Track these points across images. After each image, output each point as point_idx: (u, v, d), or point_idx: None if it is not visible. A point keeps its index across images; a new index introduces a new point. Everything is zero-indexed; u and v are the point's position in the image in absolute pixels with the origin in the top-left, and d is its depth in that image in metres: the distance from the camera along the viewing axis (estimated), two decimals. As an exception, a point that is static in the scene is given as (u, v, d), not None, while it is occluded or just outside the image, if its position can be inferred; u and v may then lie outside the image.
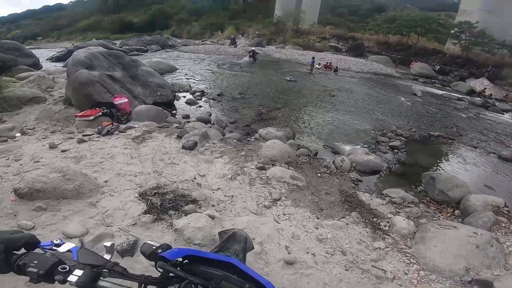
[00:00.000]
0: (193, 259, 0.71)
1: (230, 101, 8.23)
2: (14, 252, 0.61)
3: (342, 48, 26.23)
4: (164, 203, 3.00)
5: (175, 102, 7.60)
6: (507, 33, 22.19)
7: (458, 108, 11.15)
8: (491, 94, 15.77)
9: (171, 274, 0.64)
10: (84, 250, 0.63)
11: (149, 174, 3.59)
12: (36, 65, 11.38)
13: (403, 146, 6.24)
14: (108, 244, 0.71)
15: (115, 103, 5.37)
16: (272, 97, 9.00)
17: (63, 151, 4.00)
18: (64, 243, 0.65)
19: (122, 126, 5.04)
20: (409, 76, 19.35)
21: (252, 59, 17.22)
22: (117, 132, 4.81)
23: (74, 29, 47.56)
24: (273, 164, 4.25)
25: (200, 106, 7.61)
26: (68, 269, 0.59)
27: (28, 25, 58.51)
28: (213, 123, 6.23)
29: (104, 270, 0.62)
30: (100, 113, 5.10)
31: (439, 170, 5.41)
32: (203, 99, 8.15)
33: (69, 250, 0.63)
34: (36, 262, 0.58)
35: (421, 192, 4.39)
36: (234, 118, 6.72)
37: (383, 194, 4.12)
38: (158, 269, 0.65)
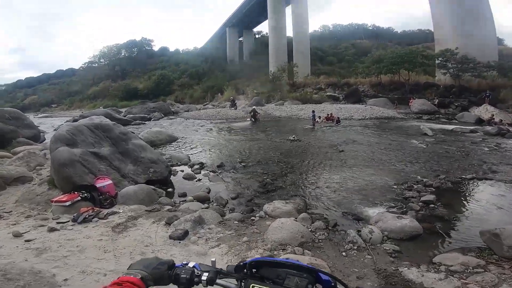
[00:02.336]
0: (261, 265, 0.88)
1: (232, 172, 7.55)
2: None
3: (339, 96, 26.67)
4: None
5: (172, 178, 6.94)
6: (486, 54, 22.41)
7: (475, 142, 10.47)
8: (501, 120, 15.17)
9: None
10: (202, 264, 0.87)
11: (123, 273, 2.71)
12: (36, 138, 10.87)
13: (438, 198, 5.27)
14: (213, 259, 0.93)
15: (97, 185, 4.72)
16: (277, 162, 8.31)
17: (27, 240, 3.44)
18: (189, 262, 0.87)
19: (104, 212, 4.29)
20: (411, 115, 19.08)
21: (253, 119, 17.15)
22: (96, 219, 4.09)
23: (85, 96, 50.13)
24: (283, 249, 3.36)
25: (199, 180, 6.92)
26: (200, 274, 0.83)
27: (44, 90, 62.20)
28: (212, 201, 5.46)
29: (219, 272, 0.85)
30: (79, 198, 4.44)
31: (492, 218, 4.54)
32: (202, 172, 7.48)
33: (194, 266, 0.85)
34: (183, 272, 0.83)
35: (484, 251, 3.43)
36: (236, 193, 5.94)
37: (436, 263, 3.19)
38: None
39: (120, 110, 28.62)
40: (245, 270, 0.86)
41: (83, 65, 68.90)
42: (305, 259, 3.08)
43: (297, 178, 6.94)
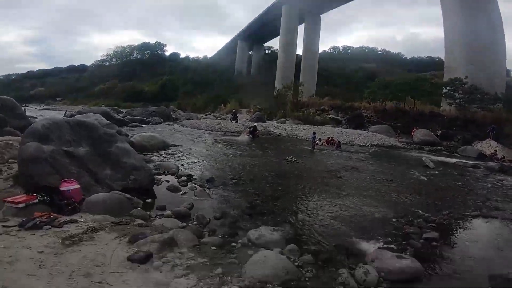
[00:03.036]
0: None
1: (221, 188, 7.01)
2: None
3: (342, 120, 26.35)
4: None
5: (156, 187, 6.40)
6: (495, 84, 22.16)
7: (478, 177, 10.07)
8: (504, 157, 14.75)
9: None
10: None
11: None
12: (25, 129, 10.46)
13: (441, 236, 4.77)
14: None
15: (61, 189, 4.20)
16: (271, 182, 7.81)
17: None
18: None
19: (61, 219, 3.76)
20: (413, 146, 18.64)
21: (251, 136, 16.76)
22: (48, 226, 3.55)
23: (91, 93, 50.31)
24: (262, 288, 2.80)
25: (185, 193, 6.37)
26: None
27: (52, 84, 62.52)
28: (193, 219, 4.90)
29: None
30: (36, 200, 3.91)
31: (500, 261, 4.14)
32: (189, 185, 6.91)
33: None
34: None
35: None
36: (221, 212, 5.38)
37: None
38: None
39: (121, 110, 28.44)
40: None
41: (94, 63, 69.86)
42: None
43: (290, 202, 6.45)
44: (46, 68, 78.99)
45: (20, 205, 3.78)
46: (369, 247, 4.31)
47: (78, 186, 4.44)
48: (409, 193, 7.43)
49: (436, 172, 10.44)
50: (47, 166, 4.38)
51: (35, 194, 3.99)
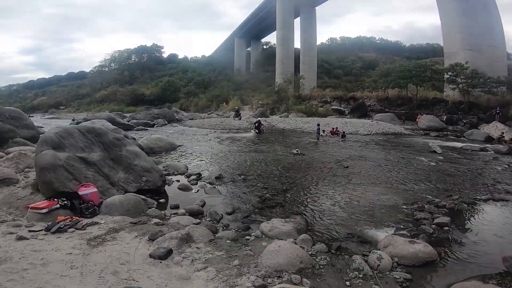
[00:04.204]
0: None
1: (230, 185, 7.13)
2: None
3: (345, 110, 26.30)
4: None
5: (167, 188, 6.54)
6: (495, 69, 22.02)
7: (487, 160, 10.06)
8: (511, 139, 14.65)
9: None
10: None
11: None
12: (35, 139, 10.28)
13: (452, 221, 4.79)
14: None
15: (80, 193, 4.35)
16: (279, 176, 7.88)
17: None
18: None
19: (83, 222, 3.91)
20: (419, 132, 18.62)
21: (257, 131, 16.87)
22: (72, 229, 3.71)
23: (93, 99, 50.82)
24: (278, 277, 2.93)
25: (196, 191, 6.51)
26: None
27: (53, 92, 63.26)
28: (206, 215, 5.04)
29: None
30: (58, 205, 4.07)
31: None
32: (199, 183, 7.07)
33: None
34: None
35: (506, 278, 3.08)
36: (232, 207, 5.50)
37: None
38: None
39: (125, 115, 28.71)
40: None
41: (93, 69, 70.33)
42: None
43: (299, 194, 6.51)
44: (46, 77, 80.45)
45: (44, 211, 3.93)
46: (381, 234, 4.37)
47: (96, 189, 4.59)
48: (418, 180, 7.46)
49: (444, 157, 10.43)
50: (64, 172, 4.54)
51: (56, 200, 4.14)
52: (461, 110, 21.14)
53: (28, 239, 3.41)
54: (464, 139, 16.07)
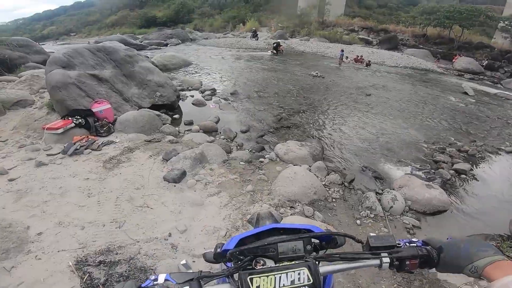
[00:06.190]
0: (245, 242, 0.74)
1: (245, 101, 6.85)
2: None
3: (373, 41, 24.03)
4: (110, 280, 1.92)
5: (181, 103, 6.43)
6: None
7: (519, 110, 9.21)
8: None
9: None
10: (175, 274, 0.66)
11: (104, 225, 2.45)
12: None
13: (471, 168, 4.56)
14: (184, 262, 0.99)
15: (94, 110, 4.26)
16: (296, 96, 7.48)
17: (10, 180, 3.10)
18: (158, 276, 0.65)
19: (99, 142, 3.92)
20: (453, 72, 17.08)
21: (274, 51, 15.91)
22: (89, 150, 3.72)
23: (103, 24, 49.39)
24: (291, 207, 2.93)
25: (210, 107, 6.38)
26: None
27: (62, 21, 61.51)
28: (220, 133, 4.97)
29: (200, 278, 0.64)
30: (73, 124, 4.02)
31: None
32: (213, 99, 6.87)
33: (166, 279, 0.65)
34: None
35: (505, 242, 2.96)
36: (247, 125, 5.36)
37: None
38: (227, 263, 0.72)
39: (137, 36, 27.49)
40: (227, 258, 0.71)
41: (101, -5, 65.00)
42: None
43: (316, 117, 6.24)
44: (52, 9, 75.62)
45: (59, 131, 3.90)
46: (396, 172, 4.26)
47: (110, 106, 4.50)
48: (443, 119, 7.01)
49: (475, 100, 9.65)
50: (76, 89, 4.40)
51: (70, 118, 4.08)
52: (506, 59, 19.42)
53: (47, 165, 3.41)
54: (501, 86, 14.72)
